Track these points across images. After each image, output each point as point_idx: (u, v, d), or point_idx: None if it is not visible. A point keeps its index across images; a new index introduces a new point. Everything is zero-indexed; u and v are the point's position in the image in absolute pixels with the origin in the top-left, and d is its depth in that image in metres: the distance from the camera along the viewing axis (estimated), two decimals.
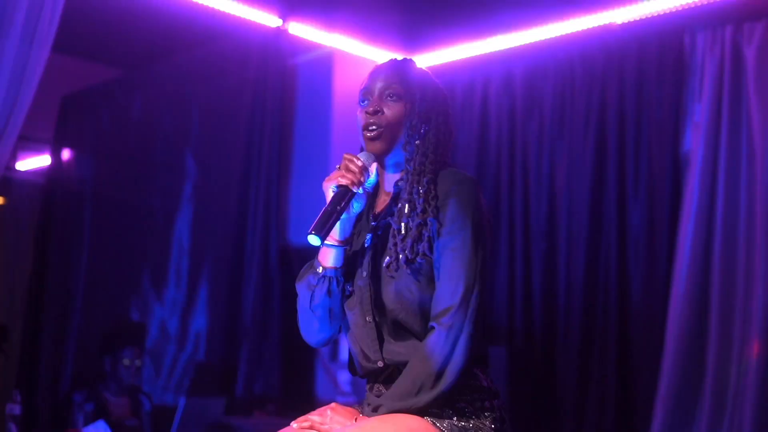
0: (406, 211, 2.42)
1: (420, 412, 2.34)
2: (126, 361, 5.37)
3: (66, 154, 7.06)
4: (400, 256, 2.39)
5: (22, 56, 4.33)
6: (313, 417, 2.45)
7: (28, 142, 7.08)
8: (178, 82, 6.71)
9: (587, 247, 5.62)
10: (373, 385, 2.52)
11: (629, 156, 5.54)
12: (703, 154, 5.15)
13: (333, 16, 6.11)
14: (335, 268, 2.49)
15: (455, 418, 2.37)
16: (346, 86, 6.38)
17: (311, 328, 2.59)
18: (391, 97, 2.49)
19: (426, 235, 2.38)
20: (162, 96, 6.77)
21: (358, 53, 6.46)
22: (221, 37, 6.27)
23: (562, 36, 5.86)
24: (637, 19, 5.54)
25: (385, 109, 2.48)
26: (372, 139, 2.48)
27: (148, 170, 6.74)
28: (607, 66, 5.68)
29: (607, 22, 5.65)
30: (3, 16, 4.25)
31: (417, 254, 2.38)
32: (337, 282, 2.49)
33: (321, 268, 2.48)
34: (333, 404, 2.50)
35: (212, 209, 6.40)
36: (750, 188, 5.03)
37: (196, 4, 5.66)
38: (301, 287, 2.55)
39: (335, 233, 2.45)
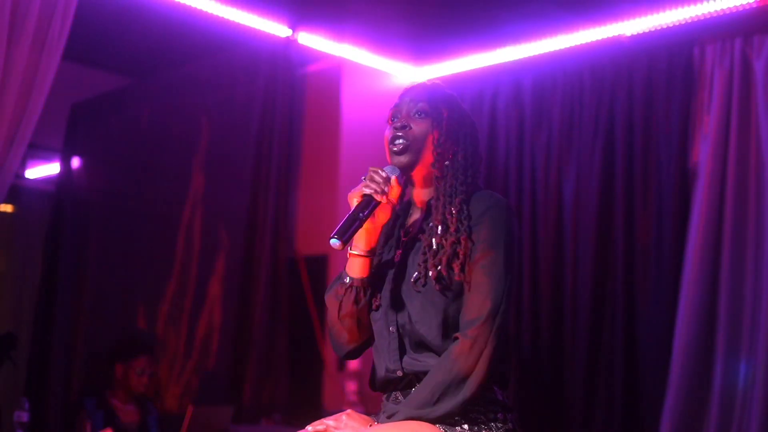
0: (438, 230, 2.48)
1: (434, 421, 2.37)
2: (138, 370, 5.38)
3: (75, 162, 7.07)
4: (430, 272, 2.45)
5: (32, 64, 4.34)
6: (328, 421, 2.49)
7: (38, 150, 7.09)
8: (188, 91, 6.72)
9: (595, 257, 5.62)
10: (390, 393, 2.56)
11: (637, 167, 5.54)
12: (711, 167, 5.15)
13: (342, 27, 6.13)
14: (362, 278, 2.53)
15: (467, 427, 2.39)
16: (355, 96, 6.40)
17: (341, 339, 2.64)
18: (418, 114, 2.56)
19: (461, 253, 2.43)
20: (171, 105, 6.78)
21: (367, 63, 6.48)
22: (231, 47, 6.29)
23: (571, 47, 5.88)
24: (647, 31, 5.56)
25: (412, 125, 2.54)
26: (398, 153, 2.54)
27: (158, 178, 6.75)
28: (616, 78, 5.68)
29: (616, 34, 5.67)
30: (14, 24, 4.26)
31: (451, 271, 2.43)
32: (365, 292, 2.54)
33: (348, 278, 2.54)
34: (348, 410, 2.55)
35: (221, 217, 6.41)
36: (758, 200, 5.04)
37: (206, 13, 5.68)
38: (330, 298, 2.61)
39: (361, 243, 2.51)
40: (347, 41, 6.30)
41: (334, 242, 2.39)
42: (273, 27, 6.04)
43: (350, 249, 2.52)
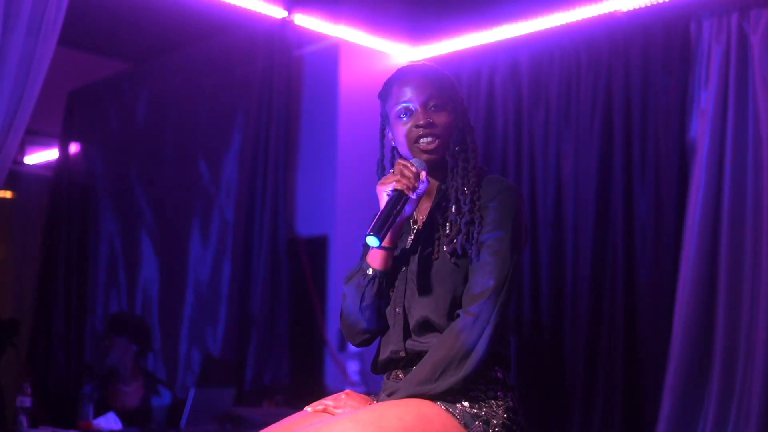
0: (453, 210, 2.51)
1: (434, 398, 2.38)
2: (109, 350, 5.41)
3: (73, 147, 7.08)
4: (444, 247, 2.48)
5: (28, 50, 4.34)
6: (327, 401, 2.52)
7: (37, 136, 7.10)
8: (185, 75, 6.72)
9: (594, 235, 5.62)
10: (392, 372, 2.58)
11: (635, 143, 5.54)
12: (709, 142, 5.15)
13: (338, 7, 6.12)
14: (384, 270, 2.55)
15: (467, 404, 2.40)
16: (352, 77, 6.39)
17: (358, 327, 2.65)
18: (435, 107, 2.56)
19: (473, 231, 2.45)
20: (169, 89, 6.79)
21: (363, 44, 6.47)
22: (227, 30, 6.28)
23: (567, 24, 5.86)
24: (643, 6, 5.54)
25: (435, 121, 2.55)
26: (430, 150, 2.55)
27: (156, 163, 6.76)
28: (612, 54, 5.67)
29: (612, 9, 5.65)
30: (9, 10, 4.26)
31: (464, 251, 2.46)
32: (386, 283, 2.56)
33: (371, 269, 2.55)
34: (348, 390, 2.58)
35: (220, 201, 6.42)
36: (756, 175, 5.03)
37: None
38: (350, 289, 2.61)
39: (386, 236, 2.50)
40: (343, 22, 6.29)
41: (372, 240, 2.42)
42: (269, 9, 6.03)
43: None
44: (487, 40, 6.24)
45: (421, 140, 2.54)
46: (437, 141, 2.54)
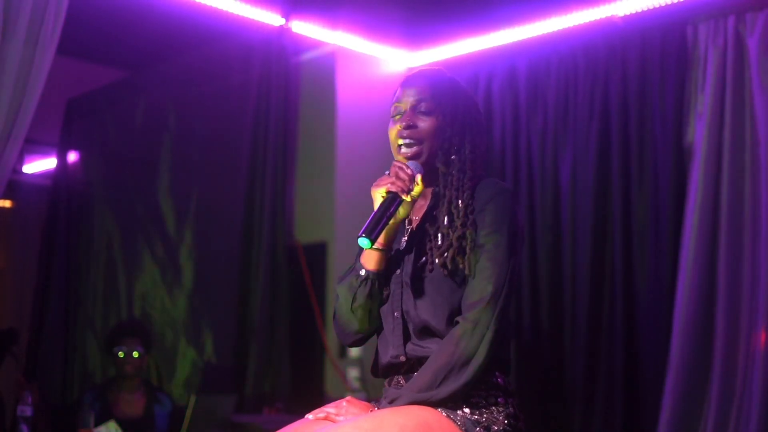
0: (445, 222, 2.49)
1: (435, 404, 2.38)
2: (120, 353, 5.37)
3: (72, 156, 7.07)
4: (437, 260, 2.47)
5: (26, 59, 4.33)
6: (329, 409, 2.52)
7: (35, 145, 7.09)
8: (183, 83, 6.72)
9: (592, 239, 5.62)
10: (392, 378, 2.58)
11: (633, 148, 5.54)
12: (707, 145, 5.15)
13: (335, 14, 6.13)
14: (377, 271, 2.55)
15: (468, 411, 2.40)
16: (350, 83, 6.39)
17: (350, 328, 2.65)
18: (423, 111, 2.56)
19: (466, 247, 2.44)
20: (167, 97, 6.78)
21: (361, 50, 6.47)
22: (224, 37, 6.28)
23: (564, 29, 5.87)
24: (639, 11, 5.55)
25: (418, 123, 2.54)
26: (408, 155, 2.55)
27: (155, 171, 6.75)
28: (609, 59, 5.68)
29: (609, 14, 5.66)
30: (7, 19, 4.26)
31: (456, 264, 2.45)
32: (379, 284, 2.56)
33: (364, 270, 2.55)
34: (348, 397, 2.57)
35: (219, 209, 6.41)
36: (754, 178, 5.04)
37: (199, 4, 5.68)
38: (343, 289, 2.61)
39: (380, 237, 2.50)
40: (341, 28, 6.30)
41: (364, 241, 2.42)
42: (266, 16, 6.04)
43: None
44: (484, 45, 6.25)
45: (400, 142, 2.55)
46: (415, 145, 2.54)
